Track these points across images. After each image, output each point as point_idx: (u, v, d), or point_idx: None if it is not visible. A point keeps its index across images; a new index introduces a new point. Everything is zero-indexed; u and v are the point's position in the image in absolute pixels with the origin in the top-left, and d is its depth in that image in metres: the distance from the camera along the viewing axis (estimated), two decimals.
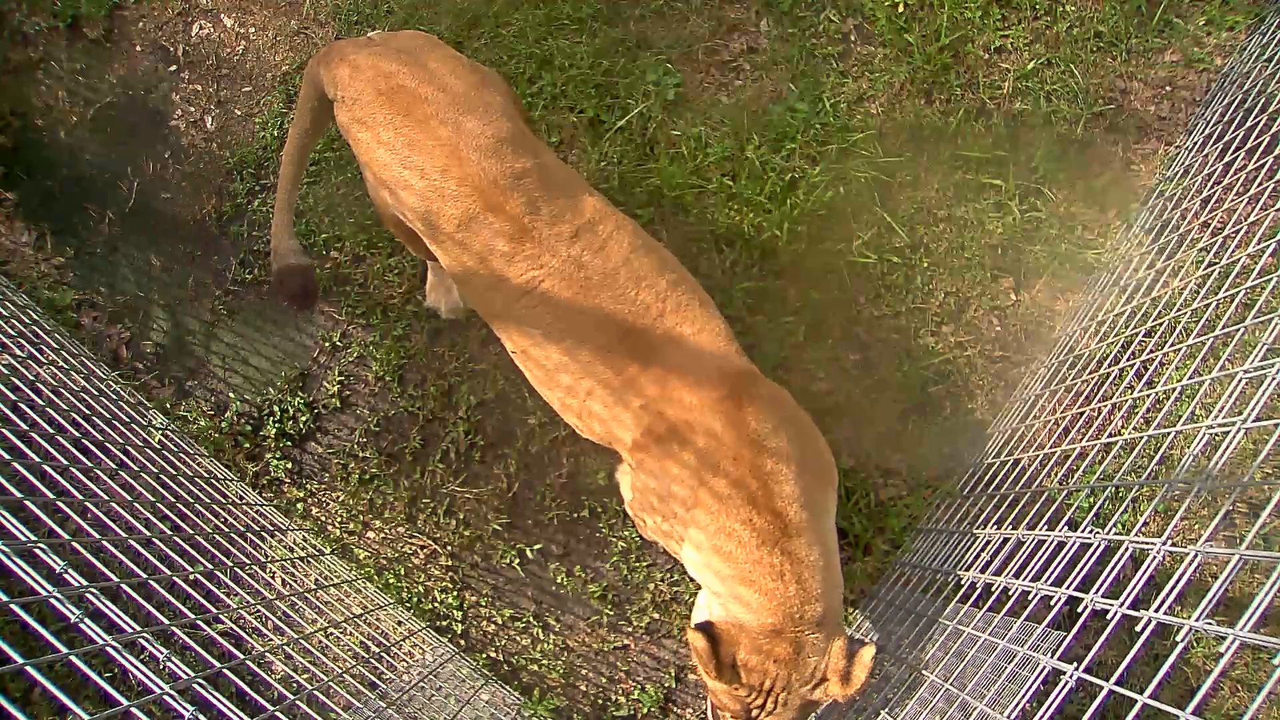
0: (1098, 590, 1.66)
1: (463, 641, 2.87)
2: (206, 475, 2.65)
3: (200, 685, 1.58)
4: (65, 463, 2.04)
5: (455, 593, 2.89)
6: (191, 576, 2.12)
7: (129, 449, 2.41)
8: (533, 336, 2.07)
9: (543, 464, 2.93)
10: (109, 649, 1.50)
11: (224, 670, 1.74)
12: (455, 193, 1.97)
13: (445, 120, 1.99)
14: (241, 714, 1.56)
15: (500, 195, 1.97)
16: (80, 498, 1.99)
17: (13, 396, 2.15)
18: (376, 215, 2.60)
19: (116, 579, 1.74)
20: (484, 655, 2.86)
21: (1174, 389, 1.96)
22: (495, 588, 2.90)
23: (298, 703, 1.81)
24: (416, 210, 2.04)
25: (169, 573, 1.96)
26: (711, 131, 3.05)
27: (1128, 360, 2.40)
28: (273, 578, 2.61)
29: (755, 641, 1.92)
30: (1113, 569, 1.67)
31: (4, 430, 1.97)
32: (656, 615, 2.86)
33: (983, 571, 2.19)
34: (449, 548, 2.90)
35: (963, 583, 2.26)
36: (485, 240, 1.99)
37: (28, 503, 1.75)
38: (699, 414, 1.97)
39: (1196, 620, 1.37)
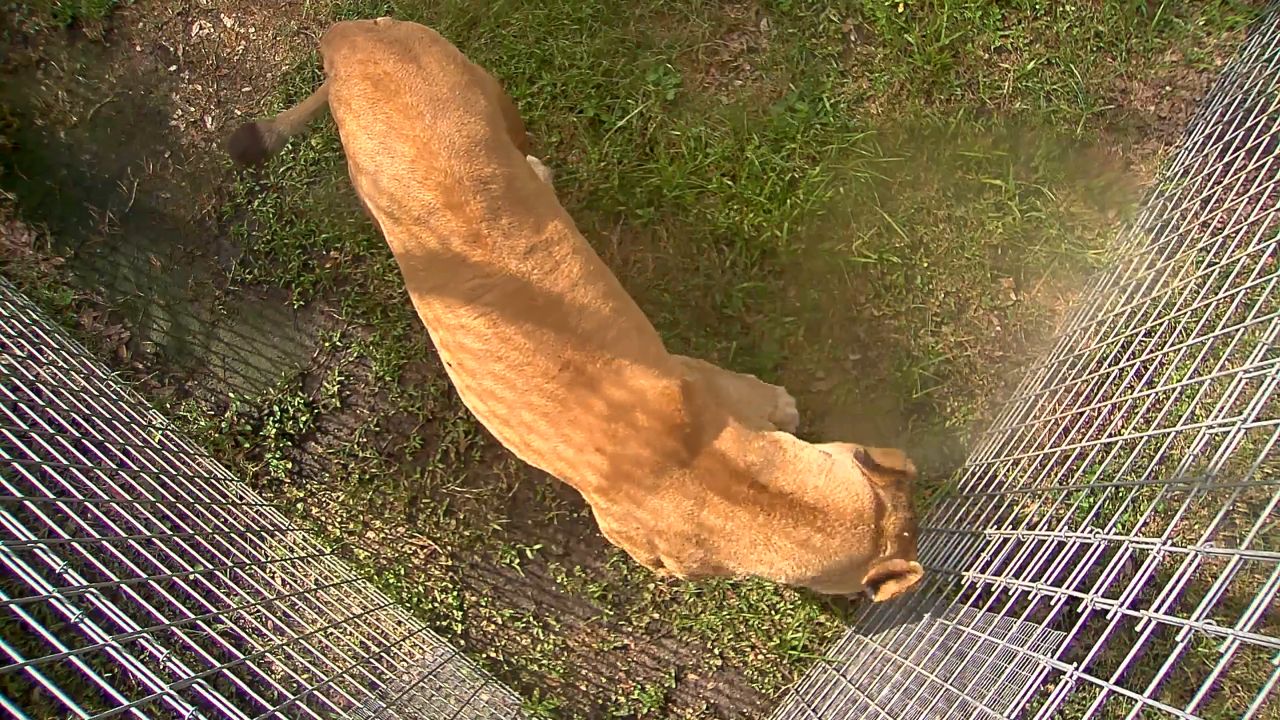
0: (1098, 590, 1.66)
1: (463, 641, 2.87)
2: (206, 475, 2.65)
3: (200, 685, 1.58)
4: (65, 463, 2.04)
5: (455, 593, 2.89)
6: (191, 576, 2.13)
7: (129, 449, 2.41)
8: (469, 350, 2.06)
9: None
10: (109, 649, 1.50)
11: (224, 670, 1.74)
12: (420, 186, 1.98)
13: (423, 114, 1.99)
14: (241, 714, 1.56)
15: (462, 196, 1.97)
16: (80, 498, 2.00)
17: (13, 396, 2.15)
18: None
19: (116, 579, 1.74)
20: (484, 655, 2.86)
21: (1174, 389, 1.96)
22: (495, 588, 2.90)
23: (298, 703, 1.81)
24: (379, 198, 2.05)
25: (169, 573, 1.96)
26: (711, 131, 3.05)
27: (1128, 360, 2.40)
28: (273, 578, 2.61)
29: (898, 546, 2.11)
30: (1113, 569, 1.67)
31: (4, 430, 1.97)
32: (656, 615, 2.86)
33: (983, 571, 2.19)
34: (449, 548, 2.90)
35: (963, 583, 2.26)
36: (439, 238, 1.99)
37: (28, 503, 1.75)
38: (657, 446, 2.00)
39: (1196, 620, 1.37)
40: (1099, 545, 1.80)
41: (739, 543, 2.06)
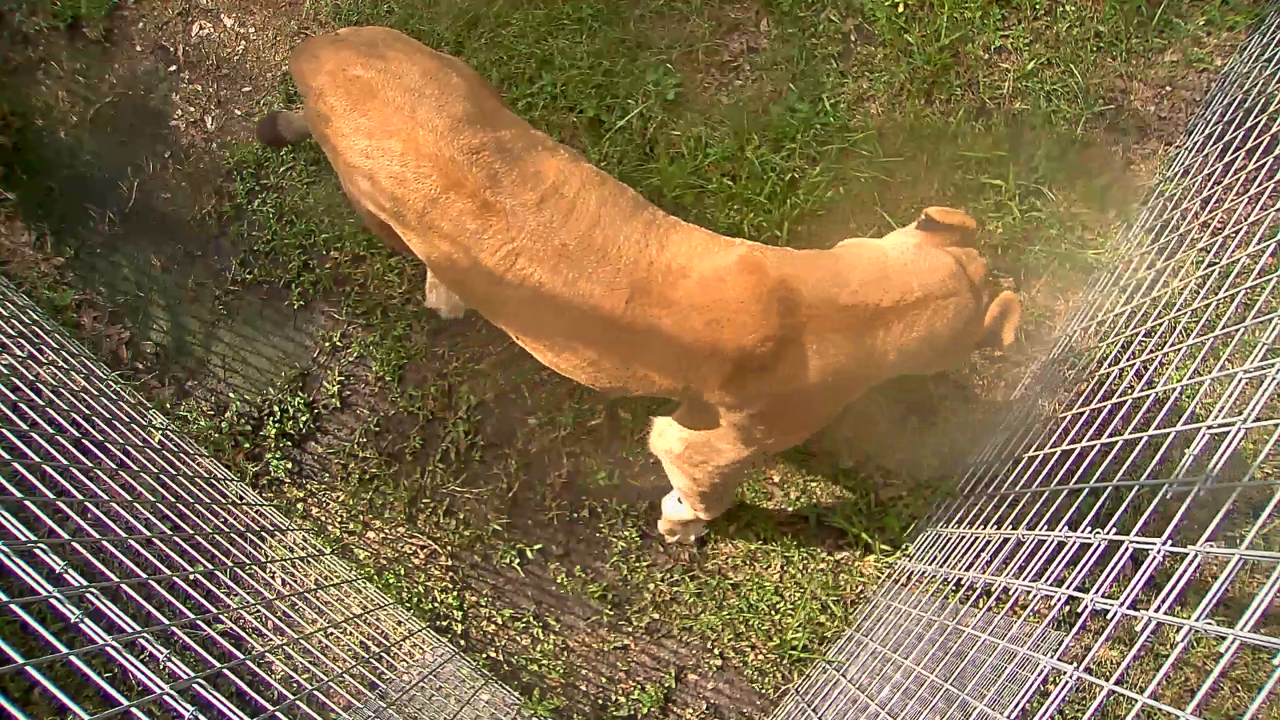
0: (1098, 590, 1.66)
1: (463, 641, 2.87)
2: (206, 475, 2.65)
3: (200, 685, 1.58)
4: (65, 463, 2.04)
5: (455, 593, 2.89)
6: (191, 576, 2.12)
7: (129, 449, 2.41)
8: (528, 320, 2.07)
9: (543, 464, 2.93)
10: (109, 649, 1.50)
11: (224, 670, 1.74)
12: (415, 176, 1.98)
13: (400, 106, 2.00)
14: (241, 714, 1.56)
15: (459, 172, 1.97)
16: (80, 498, 1.99)
17: (13, 396, 2.15)
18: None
19: (116, 579, 1.74)
20: (484, 655, 2.86)
21: (1174, 389, 1.96)
22: (495, 588, 2.90)
23: (298, 703, 1.81)
24: (383, 200, 2.05)
25: (169, 573, 1.96)
26: (711, 131, 3.05)
27: (1128, 360, 2.40)
28: (273, 578, 2.61)
29: (989, 291, 2.24)
30: (1113, 569, 1.67)
31: (4, 430, 1.97)
32: (656, 615, 2.86)
33: (983, 571, 2.19)
34: (449, 548, 2.90)
35: (963, 583, 2.26)
36: (452, 220, 1.99)
37: (28, 503, 1.75)
38: (761, 317, 2.01)
39: (1196, 620, 1.37)
40: (1099, 545, 1.80)
41: (874, 364, 2.12)
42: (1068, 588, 1.77)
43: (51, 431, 2.13)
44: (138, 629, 1.60)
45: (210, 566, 2.17)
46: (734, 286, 2.01)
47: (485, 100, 2.10)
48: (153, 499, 2.28)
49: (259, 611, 2.47)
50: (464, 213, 1.98)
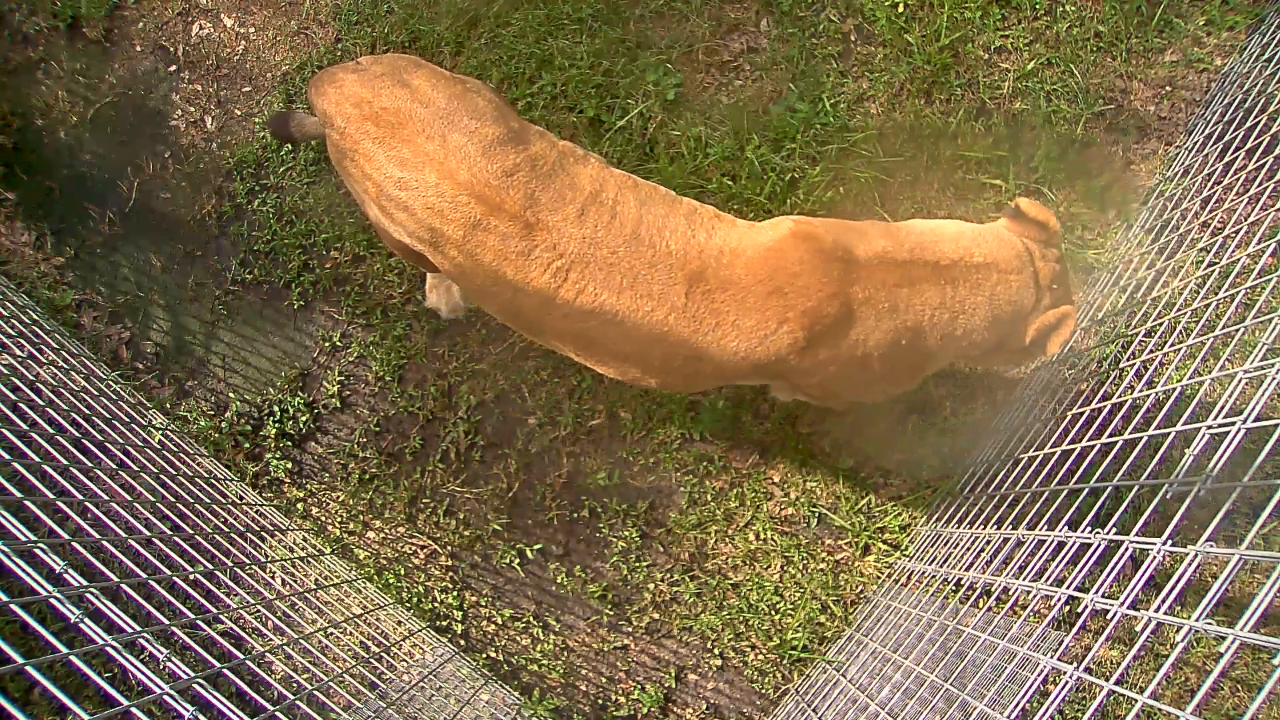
0: (1098, 590, 1.66)
1: (463, 641, 2.87)
2: (206, 475, 2.65)
3: (200, 685, 1.58)
4: (65, 463, 2.04)
5: (455, 593, 2.89)
6: (191, 576, 2.13)
7: (129, 449, 2.41)
8: (588, 334, 2.05)
9: (543, 464, 2.93)
10: (109, 649, 1.50)
11: (224, 670, 1.74)
12: (452, 204, 1.96)
13: (432, 135, 1.98)
14: (241, 714, 1.56)
15: (497, 195, 1.96)
16: (80, 498, 2.00)
17: (13, 396, 2.15)
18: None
19: (116, 579, 1.74)
20: (484, 655, 2.86)
21: (1174, 389, 1.96)
22: (495, 588, 2.90)
23: (298, 703, 1.81)
24: (419, 231, 2.03)
25: (169, 573, 1.96)
26: (711, 131, 3.05)
27: (1128, 360, 2.40)
28: (273, 578, 2.61)
29: (1052, 296, 2.25)
30: (1113, 569, 1.67)
31: (4, 430, 1.97)
32: (656, 615, 2.86)
33: (983, 571, 2.19)
34: (449, 548, 2.90)
35: (963, 583, 2.26)
36: (495, 246, 1.98)
37: (28, 503, 1.75)
38: (824, 280, 2.02)
39: (1196, 620, 1.37)
40: (1099, 545, 1.80)
41: (940, 321, 2.11)
42: (1068, 588, 1.77)
43: (51, 431, 2.13)
44: (138, 629, 1.60)
45: (210, 566, 2.18)
46: (792, 253, 2.02)
47: (511, 119, 2.09)
48: (153, 499, 2.28)
49: (259, 611, 2.47)
50: (508, 236, 1.97)
